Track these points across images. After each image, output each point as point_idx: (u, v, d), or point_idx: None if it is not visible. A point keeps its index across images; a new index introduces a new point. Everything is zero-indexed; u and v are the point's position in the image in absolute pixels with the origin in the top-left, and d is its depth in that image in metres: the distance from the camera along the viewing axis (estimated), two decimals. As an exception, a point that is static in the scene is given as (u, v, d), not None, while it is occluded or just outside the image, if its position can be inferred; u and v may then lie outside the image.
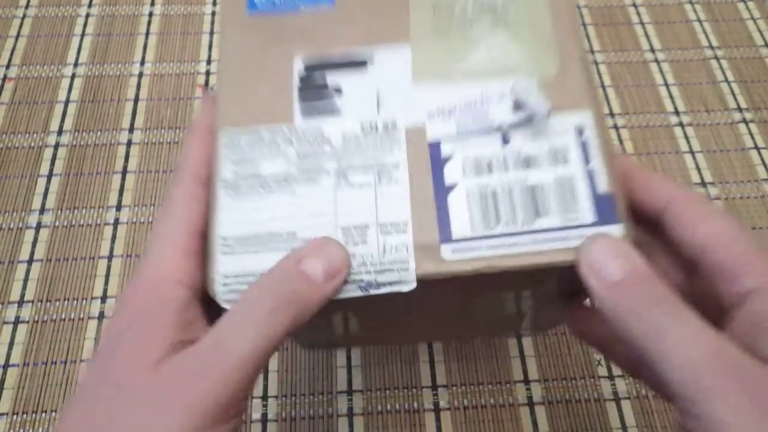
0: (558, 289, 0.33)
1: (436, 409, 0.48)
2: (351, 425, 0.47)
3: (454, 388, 0.49)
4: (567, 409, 0.48)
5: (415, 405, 0.48)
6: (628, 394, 0.49)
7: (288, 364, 0.49)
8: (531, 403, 0.49)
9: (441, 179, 0.29)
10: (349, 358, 0.50)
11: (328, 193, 0.29)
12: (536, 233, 0.28)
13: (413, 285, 0.28)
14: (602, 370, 0.49)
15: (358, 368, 0.49)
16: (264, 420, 0.47)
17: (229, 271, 0.28)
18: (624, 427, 0.48)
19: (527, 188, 0.29)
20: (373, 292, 0.28)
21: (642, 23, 0.70)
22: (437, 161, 0.29)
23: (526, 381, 0.49)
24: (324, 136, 0.30)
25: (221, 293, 0.28)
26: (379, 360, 0.49)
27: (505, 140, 0.29)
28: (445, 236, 0.28)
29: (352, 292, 0.28)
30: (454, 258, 0.28)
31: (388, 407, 0.48)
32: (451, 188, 0.29)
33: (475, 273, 0.28)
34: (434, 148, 0.30)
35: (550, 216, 0.28)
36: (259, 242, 0.28)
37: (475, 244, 0.28)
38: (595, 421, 0.48)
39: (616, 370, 0.49)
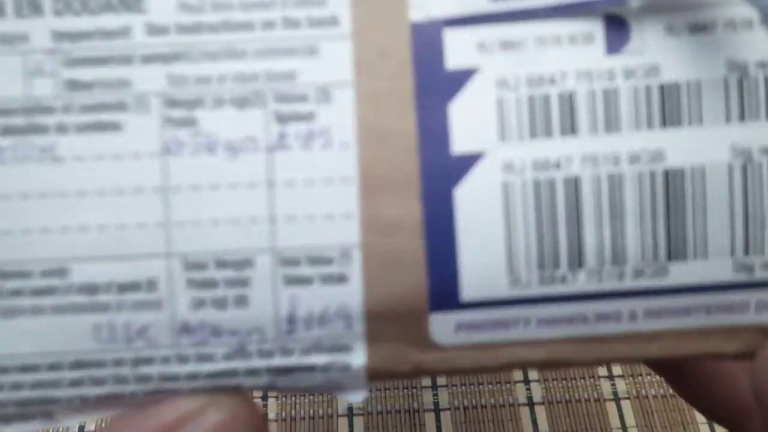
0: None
1: (436, 409, 0.47)
2: (351, 425, 0.47)
3: (454, 388, 0.48)
4: (567, 409, 0.47)
5: (415, 405, 0.47)
6: (628, 394, 0.48)
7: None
8: (531, 403, 0.48)
9: (442, 135, 0.14)
10: (349, 361, 0.49)
11: (146, 167, 0.14)
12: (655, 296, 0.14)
13: (360, 394, 0.15)
14: (602, 370, 0.49)
15: (357, 370, 0.49)
16: (264, 420, 0.47)
17: None
18: (624, 427, 0.47)
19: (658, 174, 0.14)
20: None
21: None
22: (435, 77, 0.14)
23: (526, 381, 0.49)
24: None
25: None
26: (378, 361, 0.49)
27: (612, 46, 0.14)
28: (443, 292, 0.14)
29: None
30: (459, 341, 0.14)
31: (388, 407, 0.45)
32: (468, 162, 0.14)
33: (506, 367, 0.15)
34: (427, 33, 0.14)
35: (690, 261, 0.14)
36: None
37: (517, 311, 0.14)
38: (595, 421, 0.47)
39: (617, 370, 0.49)
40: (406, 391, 0.48)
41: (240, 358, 0.14)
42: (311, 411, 0.47)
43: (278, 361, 0.14)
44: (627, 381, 0.49)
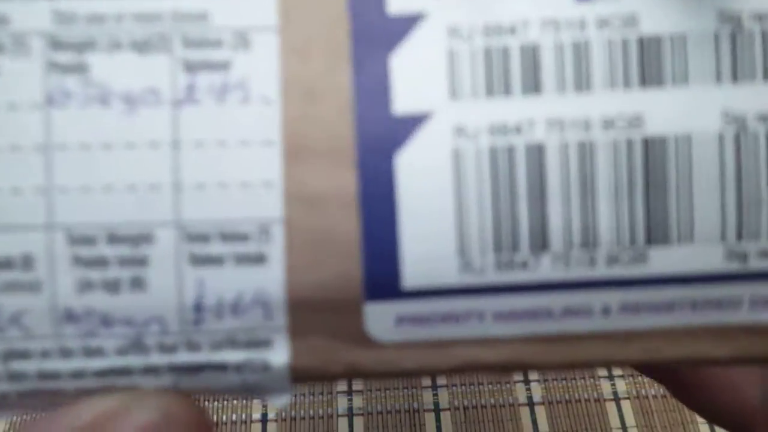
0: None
1: (436, 409, 0.47)
2: (351, 425, 0.46)
3: (454, 388, 0.48)
4: (567, 409, 0.47)
5: (415, 405, 0.47)
6: (628, 394, 0.48)
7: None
8: (531, 403, 0.48)
9: (381, 92, 0.12)
10: (345, 358, 0.48)
11: (24, 121, 0.11)
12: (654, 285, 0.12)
13: (281, 398, 0.13)
14: (602, 370, 0.47)
15: (354, 368, 0.48)
16: (264, 420, 0.46)
17: None
18: (624, 427, 0.46)
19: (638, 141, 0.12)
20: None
21: None
22: (375, 23, 0.12)
23: (526, 381, 0.48)
24: None
25: None
26: (376, 360, 0.48)
27: None
28: (381, 278, 0.12)
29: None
30: (401, 337, 0.12)
31: (388, 407, 0.46)
32: (413, 124, 0.12)
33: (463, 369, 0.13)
34: None
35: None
36: None
37: (469, 303, 0.12)
38: (595, 421, 0.47)
39: (616, 370, 0.47)
40: (406, 391, 0.47)
41: (136, 353, 0.12)
42: (311, 411, 0.47)
43: (183, 357, 0.12)
44: (627, 381, 0.48)
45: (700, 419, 0.46)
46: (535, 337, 0.12)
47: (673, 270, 0.12)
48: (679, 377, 0.19)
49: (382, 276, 0.12)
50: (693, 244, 0.11)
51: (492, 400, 0.48)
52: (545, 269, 0.12)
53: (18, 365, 0.11)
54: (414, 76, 0.12)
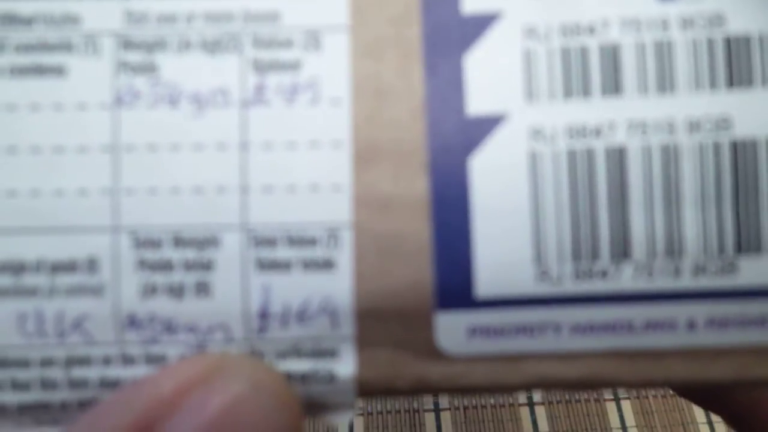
0: None
1: (436, 409, 0.47)
2: (351, 425, 0.46)
3: None
4: (567, 409, 0.47)
5: (415, 405, 0.47)
6: (628, 394, 0.48)
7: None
8: (531, 403, 0.48)
9: (455, 94, 0.11)
10: (351, 357, 0.49)
11: (92, 121, 0.11)
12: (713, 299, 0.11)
13: (345, 414, 0.12)
14: None
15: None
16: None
17: None
18: (624, 427, 0.47)
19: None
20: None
21: None
22: (449, 23, 0.11)
23: None
24: None
25: None
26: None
27: None
28: (453, 286, 0.11)
29: None
30: (473, 350, 0.11)
31: (388, 407, 0.45)
32: (487, 126, 0.11)
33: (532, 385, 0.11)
34: None
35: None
36: None
37: (545, 314, 0.11)
38: (595, 421, 0.47)
39: None
40: None
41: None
42: (310, 410, 0.47)
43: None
44: (628, 382, 0.48)
45: (700, 419, 0.46)
46: (614, 352, 0.11)
47: (766, 281, 0.10)
48: (737, 409, 0.17)
49: (454, 284, 0.11)
50: None
51: (492, 400, 0.48)
52: (626, 279, 0.10)
53: (79, 372, 0.10)
54: (489, 77, 0.11)
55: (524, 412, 0.47)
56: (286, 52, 0.11)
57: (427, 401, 0.47)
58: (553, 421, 0.47)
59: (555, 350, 0.11)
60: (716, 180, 0.11)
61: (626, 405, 0.48)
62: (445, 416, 0.46)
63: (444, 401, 0.47)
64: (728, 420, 0.18)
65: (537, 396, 0.48)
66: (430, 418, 0.47)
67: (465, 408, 0.47)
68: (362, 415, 0.46)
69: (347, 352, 0.11)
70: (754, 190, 0.11)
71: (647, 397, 0.48)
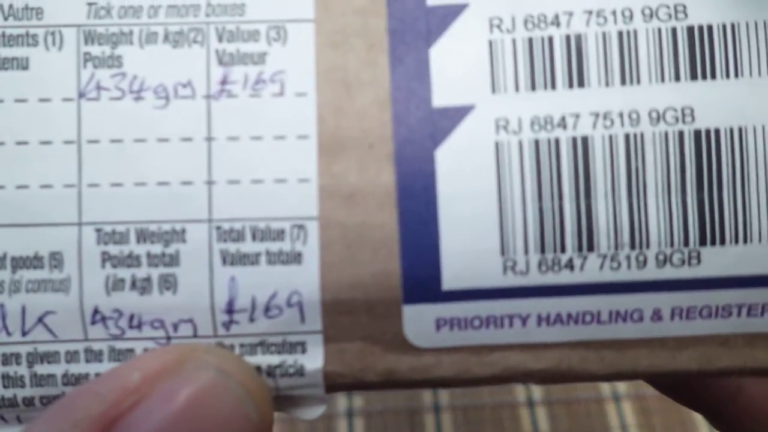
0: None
1: (436, 409, 0.47)
2: (351, 425, 0.46)
3: (454, 388, 0.47)
4: (567, 409, 0.47)
5: (415, 405, 0.46)
6: (628, 394, 0.47)
7: (287, 364, 0.47)
8: (531, 403, 0.47)
9: (421, 85, 0.11)
10: (348, 358, 0.48)
11: (56, 114, 0.11)
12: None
13: (315, 409, 0.12)
14: None
15: (358, 368, 0.47)
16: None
17: None
18: (624, 427, 0.46)
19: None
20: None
21: None
22: (414, 14, 0.11)
23: None
24: None
25: None
26: (379, 359, 0.48)
27: None
28: (420, 279, 0.11)
29: None
30: (440, 342, 0.11)
31: (388, 407, 0.45)
32: (453, 117, 0.11)
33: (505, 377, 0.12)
34: None
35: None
36: None
37: (512, 305, 0.11)
38: (595, 421, 0.47)
39: None
40: (406, 390, 0.46)
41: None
42: (311, 409, 0.46)
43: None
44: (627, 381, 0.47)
45: (700, 419, 0.45)
46: (581, 343, 0.11)
47: (729, 272, 0.11)
48: (721, 408, 0.16)
49: (421, 276, 0.11)
50: (750, 244, 0.10)
51: (492, 400, 0.47)
52: (592, 270, 0.11)
53: (44, 368, 0.10)
54: (454, 68, 0.11)
55: (524, 412, 0.47)
56: (251, 44, 0.11)
57: (427, 401, 0.47)
58: (553, 421, 0.46)
59: (522, 341, 0.11)
60: (680, 170, 0.11)
61: (626, 405, 0.47)
62: (445, 416, 0.46)
63: (444, 401, 0.47)
64: (710, 418, 0.18)
65: (537, 396, 0.47)
66: (430, 418, 0.46)
67: (465, 408, 0.46)
68: (362, 415, 0.46)
69: (316, 346, 0.11)
70: (718, 181, 0.11)
71: (647, 398, 0.48)
